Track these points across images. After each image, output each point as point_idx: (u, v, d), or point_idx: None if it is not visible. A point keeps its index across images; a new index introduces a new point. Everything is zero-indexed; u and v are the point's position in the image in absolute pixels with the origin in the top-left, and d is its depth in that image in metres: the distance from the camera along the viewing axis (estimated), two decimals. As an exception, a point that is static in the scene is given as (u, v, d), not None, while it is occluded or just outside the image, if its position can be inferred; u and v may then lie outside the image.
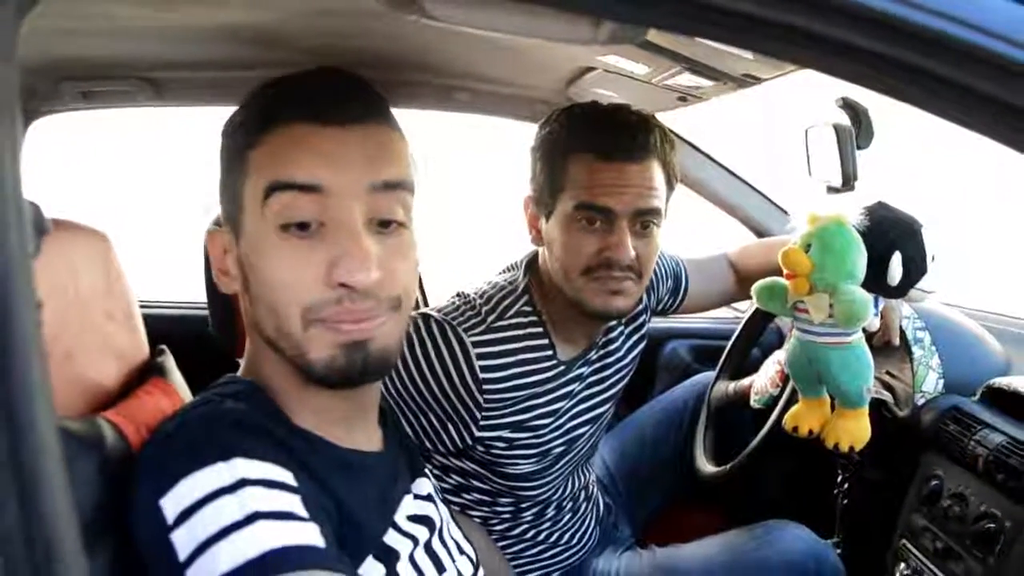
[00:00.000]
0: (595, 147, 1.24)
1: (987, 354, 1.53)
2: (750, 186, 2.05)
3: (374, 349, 0.76)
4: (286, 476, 0.68)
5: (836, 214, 1.20)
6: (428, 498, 0.95)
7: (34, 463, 0.44)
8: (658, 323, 2.12)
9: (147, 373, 0.88)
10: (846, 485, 1.62)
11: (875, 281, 1.21)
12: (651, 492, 1.78)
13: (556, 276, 1.30)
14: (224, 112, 0.87)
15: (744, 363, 1.78)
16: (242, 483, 0.65)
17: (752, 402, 1.63)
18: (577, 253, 1.26)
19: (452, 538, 0.97)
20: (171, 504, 0.63)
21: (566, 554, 1.50)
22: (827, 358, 1.22)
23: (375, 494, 0.84)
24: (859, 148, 1.17)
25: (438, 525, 0.94)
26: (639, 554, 1.57)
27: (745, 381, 1.70)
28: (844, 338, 1.21)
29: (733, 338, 1.79)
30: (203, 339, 1.49)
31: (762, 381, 1.63)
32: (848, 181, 1.18)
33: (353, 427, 0.86)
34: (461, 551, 0.97)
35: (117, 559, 0.68)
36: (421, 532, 0.89)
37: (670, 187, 1.32)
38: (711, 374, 1.81)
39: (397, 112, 0.86)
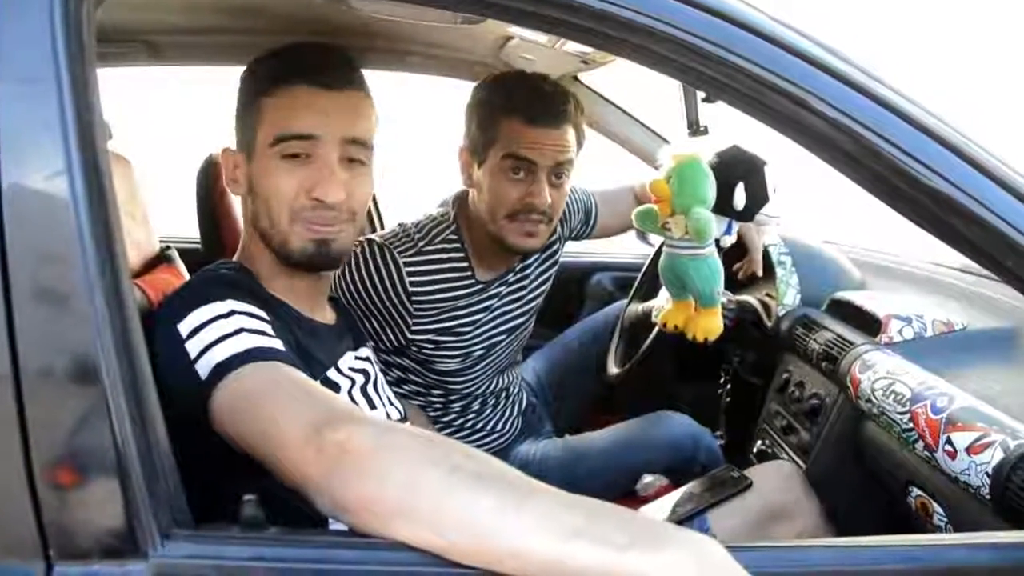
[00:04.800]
0: (524, 112, 1.51)
1: (839, 273, 1.82)
2: (655, 133, 2.36)
3: (334, 247, 1.11)
4: (261, 313, 0.99)
5: (692, 153, 1.51)
6: (366, 359, 1.28)
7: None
8: (586, 258, 2.48)
9: (158, 261, 1.22)
10: (728, 386, 1.96)
11: (725, 206, 1.52)
12: (572, 394, 2.09)
13: (482, 214, 1.59)
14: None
15: (652, 289, 2.09)
16: (232, 312, 0.95)
17: (653, 318, 1.95)
18: (503, 198, 1.55)
19: (384, 393, 1.29)
20: (184, 327, 0.94)
21: (489, 439, 1.82)
22: (686, 266, 1.54)
23: (324, 346, 1.16)
24: (705, 102, 1.47)
25: (372, 378, 1.26)
26: (555, 442, 1.90)
27: (651, 302, 2.01)
28: (699, 250, 1.52)
29: (643, 268, 2.09)
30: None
31: (661, 301, 1.94)
32: (691, 126, 1.48)
33: (314, 303, 1.19)
34: (391, 403, 1.30)
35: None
36: (358, 378, 1.21)
37: (579, 144, 1.61)
38: (628, 300, 2.12)
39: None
